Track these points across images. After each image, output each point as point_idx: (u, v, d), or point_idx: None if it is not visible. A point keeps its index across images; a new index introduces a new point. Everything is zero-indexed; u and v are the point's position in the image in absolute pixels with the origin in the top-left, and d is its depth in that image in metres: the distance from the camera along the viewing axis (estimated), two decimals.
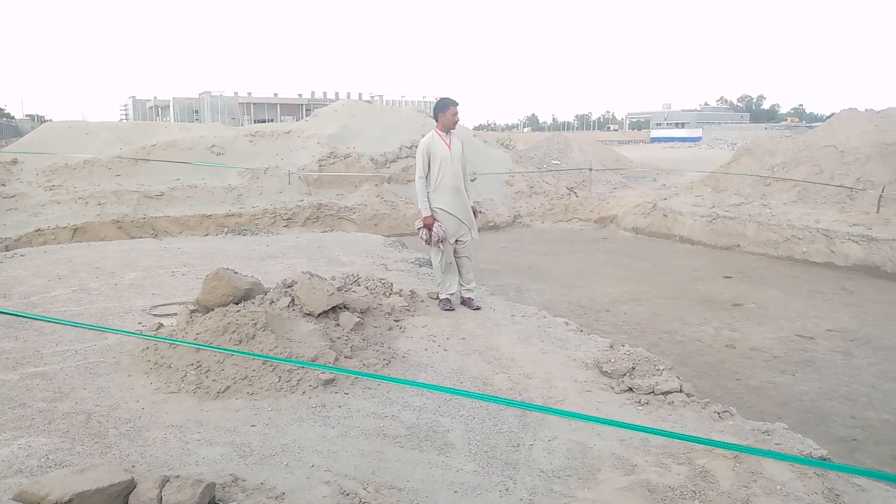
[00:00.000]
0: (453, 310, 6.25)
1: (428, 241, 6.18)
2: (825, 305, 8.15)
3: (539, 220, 15.84)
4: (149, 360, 4.56)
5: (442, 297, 6.37)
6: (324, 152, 15.72)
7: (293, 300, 5.11)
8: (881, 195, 11.18)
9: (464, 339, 5.49)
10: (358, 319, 5.20)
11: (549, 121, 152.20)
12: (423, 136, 6.31)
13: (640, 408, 4.20)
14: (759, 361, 6.15)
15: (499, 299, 7.13)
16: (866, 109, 14.02)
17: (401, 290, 6.38)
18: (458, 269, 6.38)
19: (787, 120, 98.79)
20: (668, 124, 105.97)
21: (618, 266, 10.58)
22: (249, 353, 3.99)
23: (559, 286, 9.08)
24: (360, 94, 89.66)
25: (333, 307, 5.14)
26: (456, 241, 6.27)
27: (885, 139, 12.24)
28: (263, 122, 57.19)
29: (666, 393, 4.28)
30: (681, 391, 4.30)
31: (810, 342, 6.71)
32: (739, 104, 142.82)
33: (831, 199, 11.91)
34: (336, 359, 4.48)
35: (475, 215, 6.39)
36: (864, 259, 10.10)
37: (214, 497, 2.90)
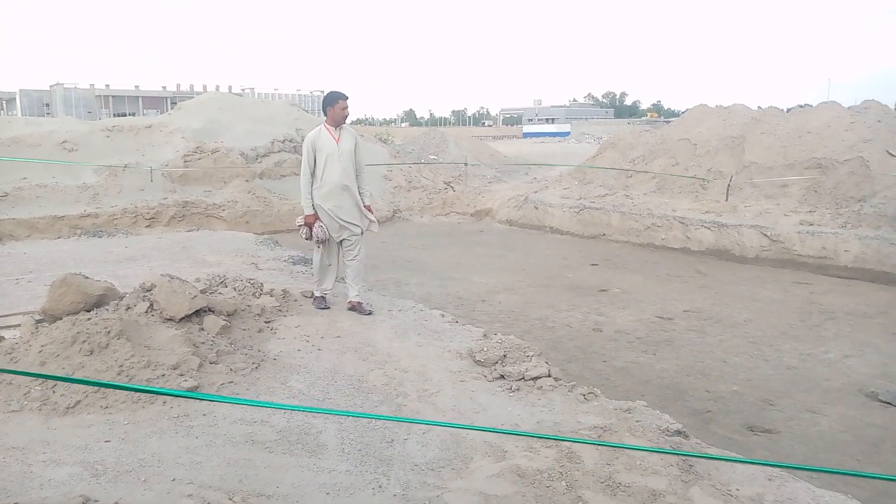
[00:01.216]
0: (328, 308, 6.11)
1: (309, 239, 5.98)
2: (682, 288, 8.72)
3: (418, 214, 15.90)
4: None
5: (317, 294, 6.21)
6: (189, 147, 14.91)
7: (152, 305, 4.80)
8: (729, 184, 12.13)
9: (339, 337, 5.39)
10: (224, 322, 4.97)
11: (427, 116, 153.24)
12: (298, 130, 6.09)
13: (511, 394, 4.29)
14: (624, 343, 6.48)
15: (376, 294, 7.08)
16: (716, 105, 15.08)
17: (272, 290, 6.16)
18: (345, 273, 6.17)
19: (647, 115, 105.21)
20: (539, 120, 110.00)
21: (493, 257, 10.82)
22: (82, 381, 3.68)
23: (438, 279, 9.14)
24: (229, 87, 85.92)
25: (197, 311, 4.88)
26: (341, 241, 6.04)
27: (732, 133, 13.27)
28: (124, 115, 53.70)
29: (535, 378, 4.40)
30: (549, 376, 4.44)
31: (669, 323, 7.15)
32: (604, 100, 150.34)
33: (686, 189, 12.77)
34: (200, 365, 4.25)
35: (370, 212, 6.11)
36: (715, 244, 10.91)
37: None
